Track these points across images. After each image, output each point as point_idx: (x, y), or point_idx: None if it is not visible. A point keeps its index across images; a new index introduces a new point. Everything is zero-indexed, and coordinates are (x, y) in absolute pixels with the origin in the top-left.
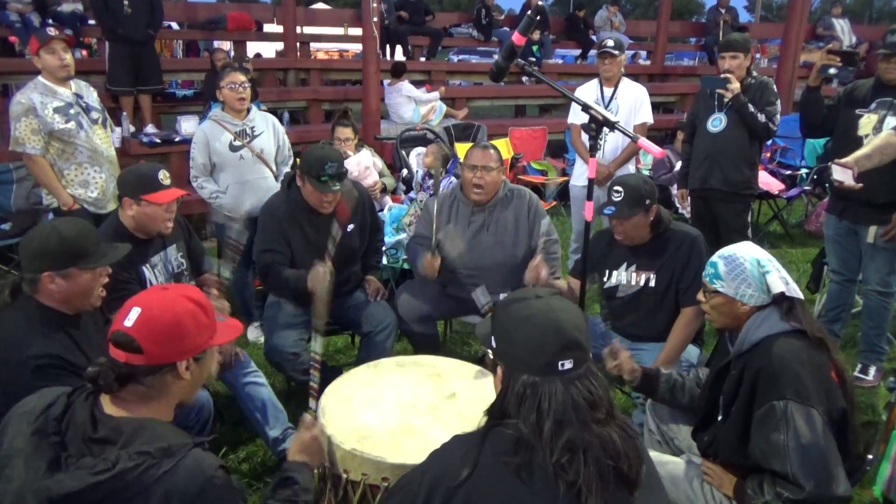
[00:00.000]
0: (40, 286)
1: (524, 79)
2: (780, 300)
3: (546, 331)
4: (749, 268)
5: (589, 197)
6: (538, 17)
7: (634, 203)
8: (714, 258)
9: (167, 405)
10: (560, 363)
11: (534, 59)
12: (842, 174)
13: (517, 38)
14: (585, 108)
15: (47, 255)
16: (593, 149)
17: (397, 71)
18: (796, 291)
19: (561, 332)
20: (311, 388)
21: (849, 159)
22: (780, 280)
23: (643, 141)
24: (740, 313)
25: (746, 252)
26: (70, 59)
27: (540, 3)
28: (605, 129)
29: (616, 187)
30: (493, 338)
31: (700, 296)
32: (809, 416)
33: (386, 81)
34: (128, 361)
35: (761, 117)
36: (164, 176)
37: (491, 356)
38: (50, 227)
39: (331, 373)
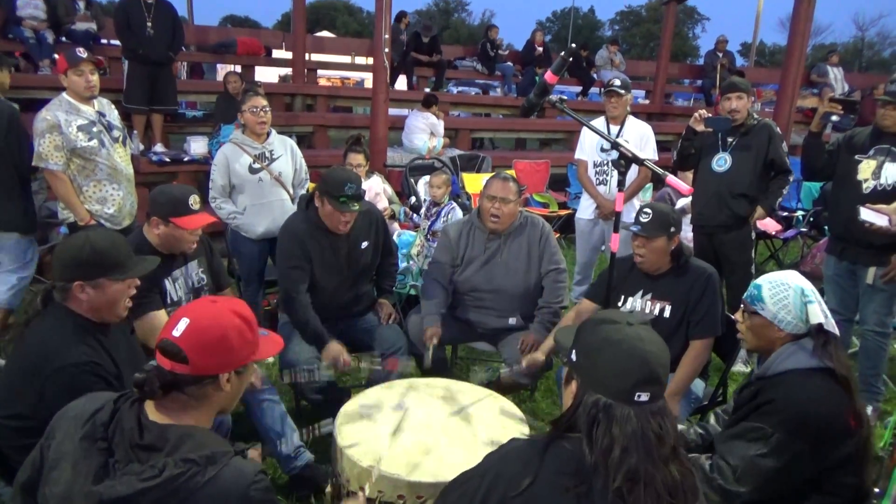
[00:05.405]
0: (71, 294)
1: None
2: (817, 333)
3: (632, 359)
4: (793, 295)
5: (615, 229)
6: (570, 59)
7: (660, 226)
8: (759, 280)
9: (207, 414)
10: (637, 394)
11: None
12: (873, 216)
13: (550, 77)
14: (615, 145)
15: (79, 265)
16: (621, 184)
17: (428, 102)
18: (833, 327)
19: (646, 364)
20: None
21: (885, 207)
22: (821, 313)
23: (671, 178)
24: (775, 338)
25: (792, 280)
26: (96, 80)
27: (573, 45)
28: (612, 166)
29: (646, 209)
30: (574, 351)
31: (738, 315)
32: (787, 450)
33: (414, 109)
34: (173, 370)
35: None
36: (194, 201)
37: (566, 367)
38: (84, 237)
39: (339, 393)
